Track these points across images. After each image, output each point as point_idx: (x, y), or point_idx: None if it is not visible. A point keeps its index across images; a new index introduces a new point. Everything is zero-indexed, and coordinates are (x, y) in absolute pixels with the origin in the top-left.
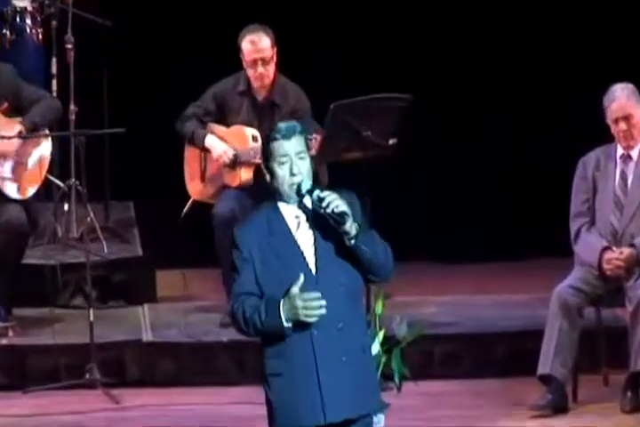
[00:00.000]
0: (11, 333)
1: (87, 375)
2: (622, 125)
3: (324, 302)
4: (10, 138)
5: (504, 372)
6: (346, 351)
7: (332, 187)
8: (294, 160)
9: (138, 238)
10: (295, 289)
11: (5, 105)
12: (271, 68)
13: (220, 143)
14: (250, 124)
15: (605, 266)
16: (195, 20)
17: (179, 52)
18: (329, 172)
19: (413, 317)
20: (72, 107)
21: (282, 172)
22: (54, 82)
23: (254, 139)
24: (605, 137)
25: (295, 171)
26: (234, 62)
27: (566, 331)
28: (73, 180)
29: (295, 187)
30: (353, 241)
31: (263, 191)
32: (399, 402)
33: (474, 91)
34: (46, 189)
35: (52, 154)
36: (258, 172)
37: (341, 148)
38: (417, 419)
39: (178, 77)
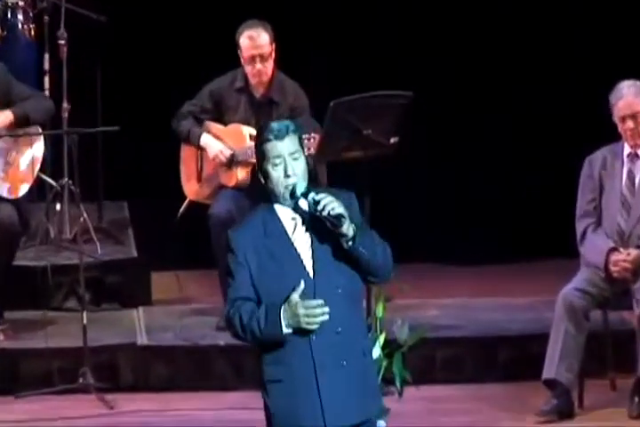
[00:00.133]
0: (2, 336)
1: (80, 380)
2: (630, 123)
3: (326, 309)
4: (1, 137)
5: (508, 376)
6: (346, 356)
7: (330, 187)
8: (288, 161)
9: (132, 239)
10: (296, 296)
11: None
12: (269, 65)
13: (217, 142)
14: (247, 122)
15: (612, 268)
16: (192, 15)
17: (175, 48)
18: (328, 171)
19: (415, 320)
20: (65, 104)
21: (276, 173)
22: (47, 79)
23: (252, 137)
24: (612, 135)
25: (289, 172)
26: (232, 59)
27: (572, 334)
28: (66, 179)
29: (290, 188)
30: (350, 243)
31: (261, 192)
32: (400, 407)
33: (476, 89)
34: (38, 189)
35: (45, 153)
36: (255, 171)
37: (341, 147)
38: (418, 425)
39: (174, 74)
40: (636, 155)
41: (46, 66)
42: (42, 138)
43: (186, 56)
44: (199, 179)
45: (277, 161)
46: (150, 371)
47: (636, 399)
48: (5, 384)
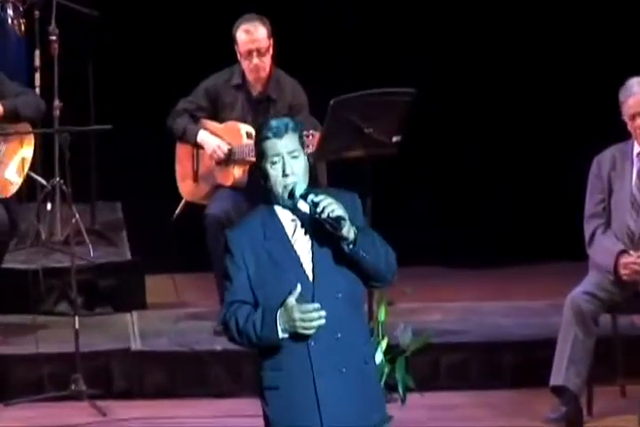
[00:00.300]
0: None
1: (72, 386)
2: None
3: (323, 313)
4: None
5: (514, 383)
6: (345, 362)
7: (331, 187)
8: (287, 160)
9: (126, 241)
10: (292, 300)
11: None
12: (267, 60)
13: (214, 138)
14: (244, 120)
15: (622, 271)
16: (187, 9)
17: (170, 44)
18: (328, 171)
19: (418, 324)
20: (56, 102)
21: (274, 172)
22: (37, 76)
23: (249, 136)
24: (621, 134)
25: (288, 171)
26: (228, 55)
27: (581, 339)
28: (57, 179)
29: (289, 188)
30: (351, 246)
31: (259, 192)
32: (403, 415)
33: (479, 88)
34: (29, 189)
35: (35, 152)
36: (252, 171)
37: (342, 146)
38: None
39: (168, 71)
40: None
41: (37, 62)
42: (32, 136)
43: (181, 52)
44: (195, 178)
45: (276, 159)
46: (144, 377)
47: None
48: None
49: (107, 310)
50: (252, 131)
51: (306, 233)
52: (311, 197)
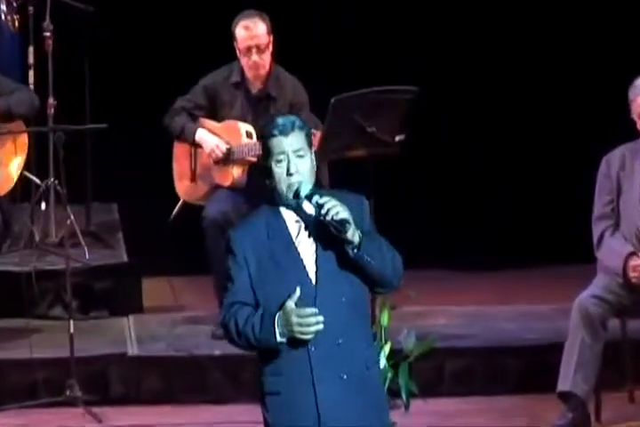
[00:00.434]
0: None
1: (67, 392)
2: None
3: (321, 319)
4: None
5: (520, 389)
6: (346, 369)
7: (338, 188)
8: (292, 158)
9: (122, 243)
10: (291, 303)
11: None
12: (267, 57)
13: (213, 137)
14: (244, 119)
15: (631, 273)
16: (185, 5)
17: (167, 41)
18: (330, 171)
19: (422, 329)
20: (51, 100)
21: (279, 170)
22: (31, 73)
23: (248, 135)
24: (630, 133)
25: (292, 170)
26: (227, 52)
27: (588, 344)
28: (52, 179)
29: (293, 188)
30: (356, 250)
31: (258, 192)
32: (407, 421)
33: (482, 87)
34: (23, 190)
35: (29, 151)
36: (252, 171)
37: (343, 145)
38: None
39: (166, 68)
40: None
41: (31, 59)
42: (26, 135)
43: (179, 49)
44: (193, 178)
45: (280, 157)
46: (141, 383)
47: None
48: None
49: (102, 313)
50: (252, 130)
51: (310, 235)
52: (316, 198)
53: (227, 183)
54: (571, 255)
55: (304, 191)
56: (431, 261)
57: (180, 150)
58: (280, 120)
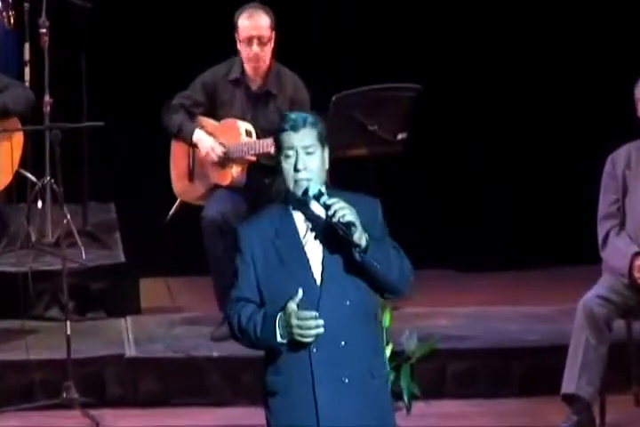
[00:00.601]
0: None
1: (64, 394)
2: None
3: (321, 322)
4: None
5: (524, 391)
6: (348, 373)
7: (349, 190)
8: (300, 154)
9: (120, 244)
10: (292, 305)
11: None
12: (268, 51)
13: (209, 138)
14: (243, 117)
15: (636, 274)
16: (183, 2)
17: (166, 37)
18: (330, 170)
19: (424, 330)
20: (47, 98)
21: (287, 166)
22: (27, 70)
23: (248, 134)
24: (635, 132)
25: (300, 166)
26: (226, 49)
27: (593, 346)
28: (48, 178)
29: (300, 185)
30: (362, 254)
31: (257, 192)
32: (409, 424)
33: (484, 86)
34: (18, 189)
35: (25, 149)
36: (251, 170)
37: (345, 143)
38: None
39: (164, 65)
40: None
41: (27, 56)
42: (22, 133)
43: (177, 45)
44: (191, 178)
45: (290, 153)
46: (139, 385)
47: None
48: None
49: (99, 314)
50: (252, 128)
51: (318, 235)
52: (324, 198)
53: (226, 182)
54: (573, 256)
55: (313, 190)
56: (433, 261)
57: (177, 150)
58: (292, 115)
